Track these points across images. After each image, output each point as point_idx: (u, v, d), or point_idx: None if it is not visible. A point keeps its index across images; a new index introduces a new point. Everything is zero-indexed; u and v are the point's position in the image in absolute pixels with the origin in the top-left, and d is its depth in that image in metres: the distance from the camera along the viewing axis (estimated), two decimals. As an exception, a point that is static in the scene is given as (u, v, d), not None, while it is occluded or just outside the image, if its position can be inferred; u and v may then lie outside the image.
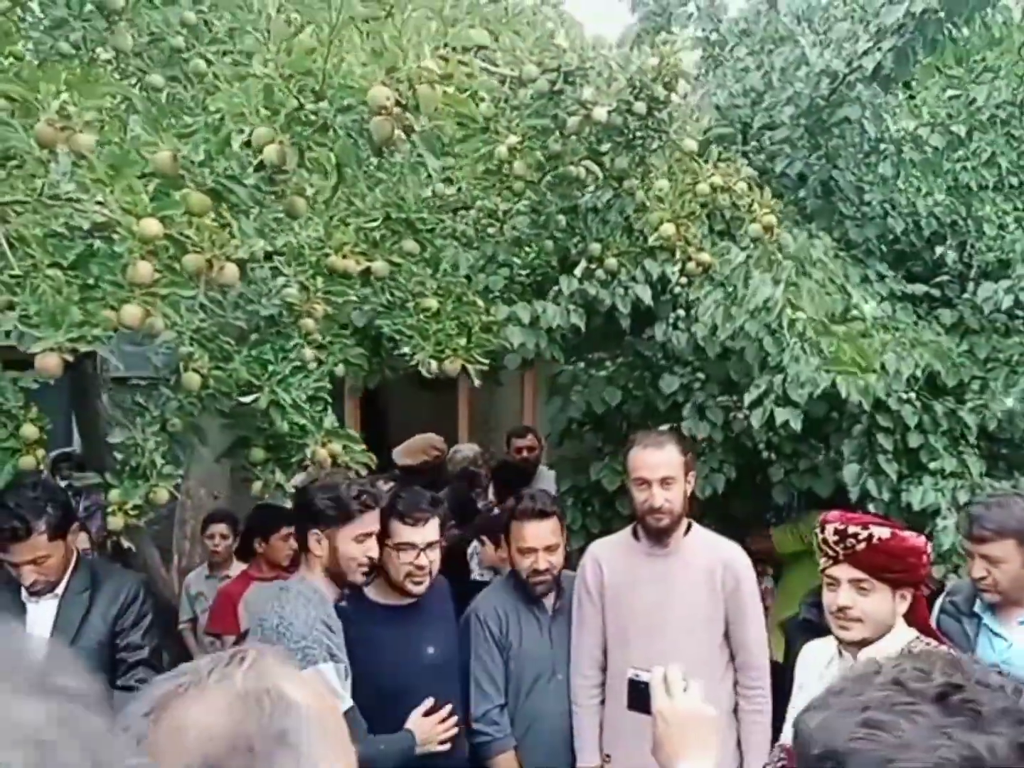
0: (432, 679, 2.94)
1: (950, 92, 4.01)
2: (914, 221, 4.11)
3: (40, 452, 3.01)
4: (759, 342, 3.22)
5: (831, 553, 2.48)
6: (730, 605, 3.07)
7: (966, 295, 4.12)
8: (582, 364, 4.35)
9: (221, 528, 4.95)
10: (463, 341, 3.08)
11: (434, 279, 3.24)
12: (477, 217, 3.64)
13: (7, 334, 2.19)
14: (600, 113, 2.91)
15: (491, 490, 5.83)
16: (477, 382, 2.99)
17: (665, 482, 3.02)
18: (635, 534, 3.20)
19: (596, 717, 3.27)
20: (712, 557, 3.09)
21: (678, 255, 3.13)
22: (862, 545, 2.43)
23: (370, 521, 2.79)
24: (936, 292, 4.19)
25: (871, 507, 3.67)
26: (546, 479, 5.64)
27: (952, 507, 3.50)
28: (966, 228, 4.12)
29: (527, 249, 3.99)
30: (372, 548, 2.79)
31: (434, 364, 3.03)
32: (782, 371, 3.23)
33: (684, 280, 3.28)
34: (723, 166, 3.11)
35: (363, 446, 2.97)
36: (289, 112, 2.22)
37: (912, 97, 4.15)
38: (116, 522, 2.75)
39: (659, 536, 3.09)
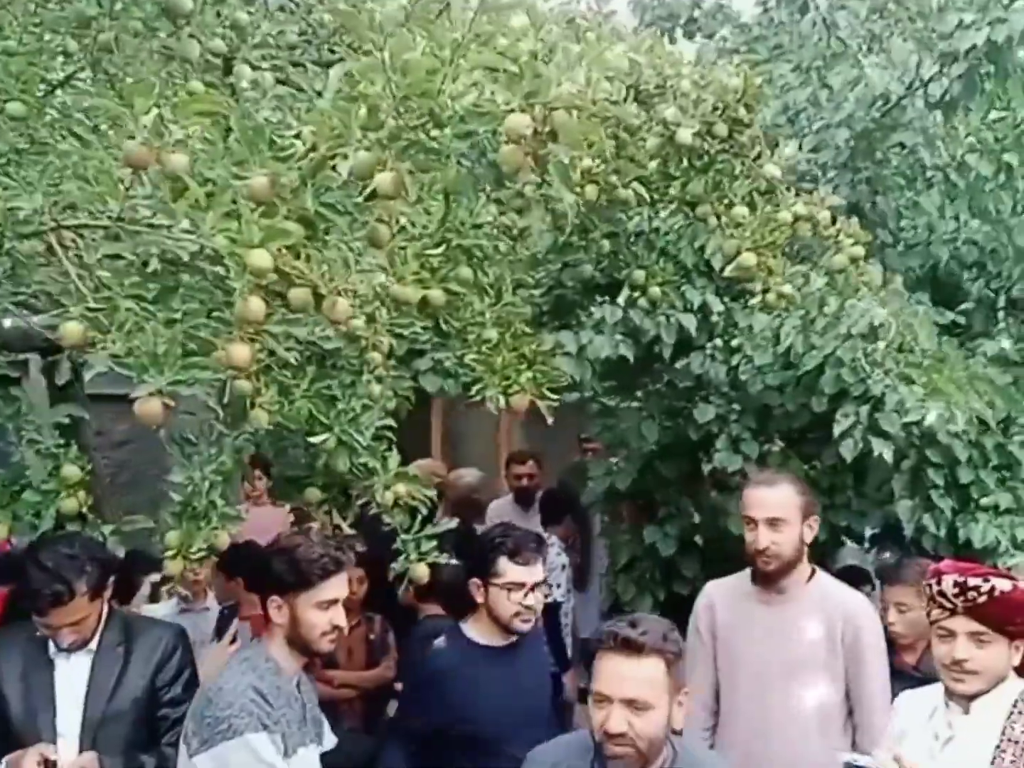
0: (530, 723, 2.80)
1: (994, 115, 3.97)
2: (954, 249, 4.07)
3: (83, 494, 2.78)
4: (850, 369, 3.12)
5: (948, 605, 2.39)
6: (849, 660, 2.90)
7: (1001, 325, 4.10)
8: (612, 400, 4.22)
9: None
10: (528, 374, 2.92)
11: (492, 309, 3.07)
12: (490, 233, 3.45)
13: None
14: (685, 135, 2.78)
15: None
16: (550, 419, 2.82)
17: (774, 523, 2.86)
18: (753, 578, 3.03)
19: None
20: (833, 608, 2.93)
21: (758, 286, 3.01)
22: (983, 598, 2.35)
23: (335, 586, 2.52)
24: (973, 322, 4.16)
25: (925, 544, 3.62)
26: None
27: (1010, 544, 3.44)
28: (1005, 256, 4.10)
29: (542, 271, 3.84)
30: (338, 616, 2.52)
31: (502, 400, 2.86)
32: (868, 401, 3.14)
33: (764, 311, 3.15)
34: (806, 195, 3.00)
35: (432, 491, 2.79)
36: (396, 134, 2.04)
37: (949, 121, 4.08)
38: (175, 567, 2.53)
39: (768, 581, 2.94)
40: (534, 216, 2.59)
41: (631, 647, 2.06)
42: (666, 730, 2.09)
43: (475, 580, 2.89)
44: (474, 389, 2.85)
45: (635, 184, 3.40)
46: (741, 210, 2.96)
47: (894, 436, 3.24)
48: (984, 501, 3.56)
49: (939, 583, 2.40)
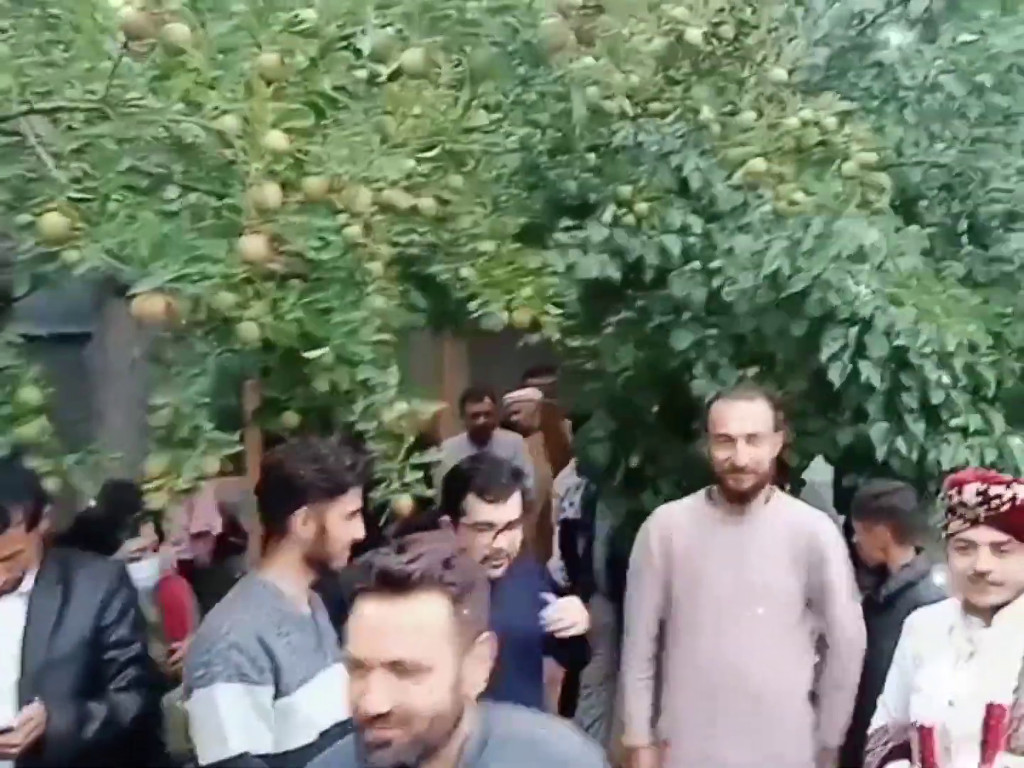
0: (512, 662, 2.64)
1: (963, 37, 3.94)
2: (924, 172, 4.04)
3: (42, 420, 2.53)
4: (836, 291, 3.05)
5: (969, 516, 2.35)
6: (813, 580, 2.87)
7: (966, 248, 4.11)
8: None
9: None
10: (529, 289, 2.77)
11: (488, 218, 2.90)
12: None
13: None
14: (695, 35, 2.64)
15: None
16: (556, 335, 2.68)
17: (752, 439, 2.79)
18: (709, 497, 2.97)
19: (648, 694, 3.08)
20: (795, 527, 2.89)
21: (768, 193, 2.91)
22: (1006, 506, 2.33)
23: (359, 496, 2.40)
24: (935, 246, 4.14)
25: (894, 466, 3.61)
26: (504, 446, 5.37)
27: (979, 465, 3.45)
28: (971, 179, 4.09)
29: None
30: (359, 528, 2.36)
31: (505, 315, 2.71)
32: (856, 323, 3.08)
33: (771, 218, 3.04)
34: (812, 99, 2.91)
35: (439, 404, 2.62)
36: (429, 4, 1.85)
37: (927, 39, 4.03)
38: (159, 498, 2.32)
39: (740, 499, 2.87)
40: (577, 99, 2.41)
41: (393, 583, 1.40)
42: (457, 697, 1.44)
43: (445, 518, 2.68)
44: (474, 304, 2.68)
45: (619, 97, 3.28)
46: (748, 115, 2.85)
47: (879, 359, 3.19)
48: (954, 423, 3.56)
49: (960, 493, 2.37)
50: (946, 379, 3.61)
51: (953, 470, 3.54)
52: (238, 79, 1.85)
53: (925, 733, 2.34)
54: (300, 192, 1.85)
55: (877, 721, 2.59)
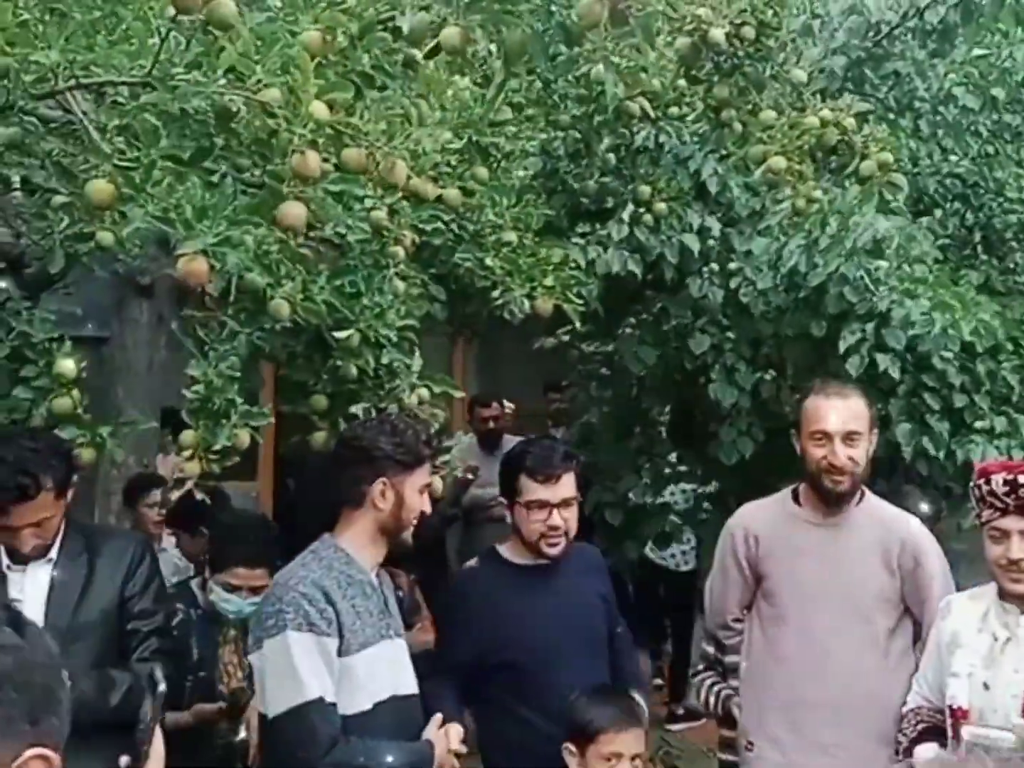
0: (578, 651, 2.66)
1: (977, 52, 4.01)
2: (938, 182, 4.11)
3: (76, 393, 2.59)
4: (852, 287, 3.09)
5: (999, 505, 2.35)
6: (907, 587, 2.71)
7: (983, 256, 4.16)
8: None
9: (157, 496, 4.47)
10: (551, 278, 2.82)
11: (510, 210, 2.96)
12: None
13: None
14: (718, 34, 2.71)
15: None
16: (578, 324, 2.73)
17: (850, 437, 2.61)
18: (795, 499, 2.80)
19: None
20: (887, 531, 2.73)
21: (788, 192, 2.96)
22: None
23: (428, 470, 2.45)
24: (949, 256, 4.20)
25: (920, 468, 3.64)
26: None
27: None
28: (985, 190, 4.15)
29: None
30: (427, 502, 2.41)
31: (527, 303, 2.76)
32: (873, 318, 3.11)
33: (790, 218, 3.10)
34: (831, 100, 2.97)
35: (462, 392, 2.67)
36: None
37: (941, 51, 4.11)
38: (192, 468, 2.37)
39: (836, 501, 2.69)
40: (608, 77, 2.47)
41: None
42: None
43: (502, 499, 2.73)
44: (496, 292, 2.74)
45: (640, 99, 3.35)
46: (769, 114, 2.90)
47: (899, 352, 3.23)
48: (978, 425, 3.59)
49: (988, 483, 2.37)
50: (968, 382, 3.67)
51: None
52: (281, 54, 1.91)
53: (960, 715, 2.35)
54: (339, 163, 1.90)
55: (911, 702, 2.57)
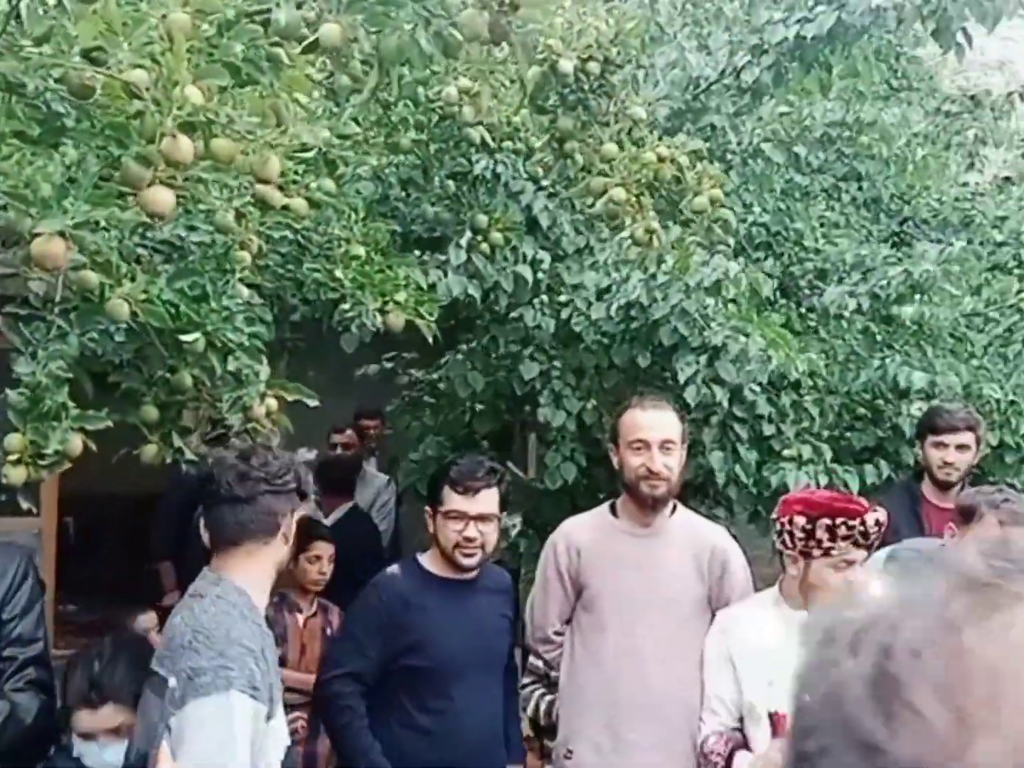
0: (483, 666, 2.73)
1: (781, 109, 4.36)
2: (746, 230, 4.41)
3: None
4: (685, 322, 3.26)
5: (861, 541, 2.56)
6: (714, 593, 2.88)
7: (783, 300, 4.49)
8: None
9: None
10: (404, 293, 2.81)
11: (358, 224, 2.93)
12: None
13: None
14: (567, 65, 2.82)
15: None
16: (430, 337, 2.73)
17: (666, 446, 2.79)
18: (613, 511, 2.95)
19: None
20: (698, 540, 2.91)
21: (628, 222, 3.08)
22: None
23: None
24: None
25: (731, 493, 3.86)
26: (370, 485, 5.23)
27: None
28: (786, 239, 4.50)
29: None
30: None
31: (378, 318, 2.74)
32: (706, 351, 3.29)
33: (633, 250, 3.22)
34: (667, 138, 3.13)
35: (316, 401, 2.60)
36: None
37: (755, 107, 4.41)
38: (17, 474, 2.17)
39: (652, 507, 2.84)
40: (485, 90, 2.49)
41: None
42: None
43: (427, 508, 2.80)
44: (347, 305, 2.69)
45: (480, 128, 3.43)
46: (611, 147, 3.03)
47: (730, 384, 3.43)
48: (786, 453, 3.86)
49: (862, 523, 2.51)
50: (775, 413, 3.94)
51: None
52: (147, 35, 1.83)
53: (779, 719, 2.48)
54: (208, 153, 1.83)
55: (709, 728, 2.69)
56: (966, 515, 3.00)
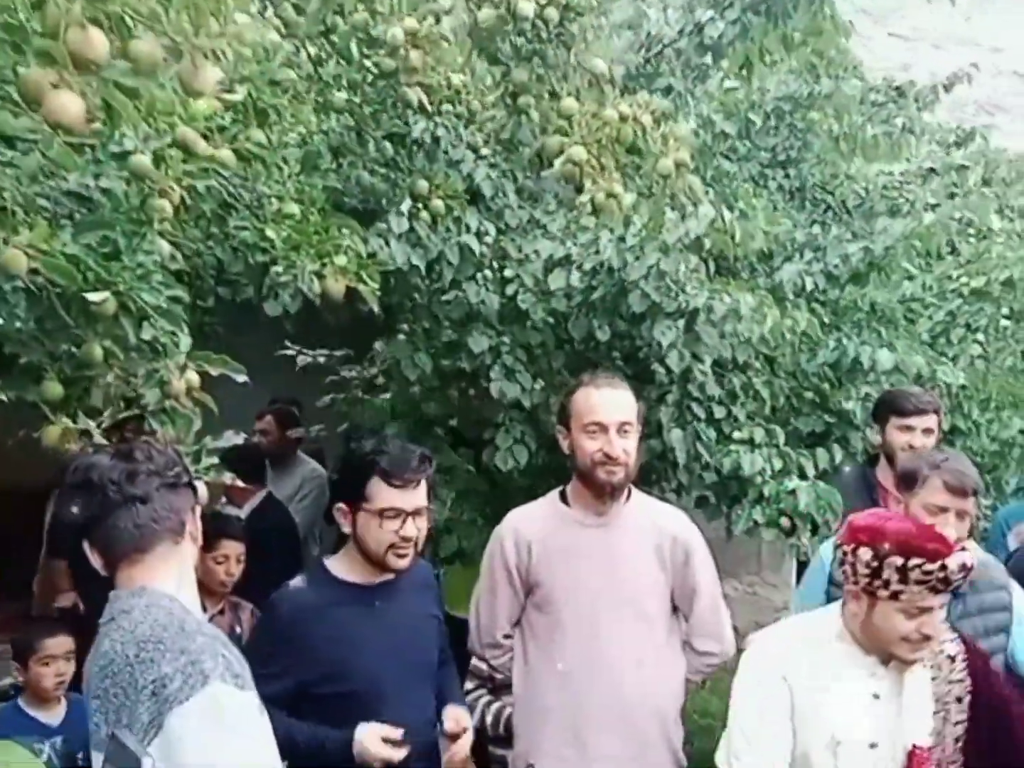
0: (415, 681, 2.34)
1: (728, 84, 4.17)
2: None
3: None
4: (656, 284, 2.99)
5: (939, 586, 2.11)
6: (676, 580, 2.64)
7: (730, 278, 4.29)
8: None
9: None
10: (345, 257, 2.50)
11: (292, 179, 2.61)
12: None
13: None
14: (526, 7, 2.54)
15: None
16: (375, 307, 2.42)
17: (624, 428, 2.52)
18: (563, 498, 2.67)
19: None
20: (658, 528, 2.64)
21: (588, 184, 2.81)
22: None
23: None
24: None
25: (683, 476, 3.64)
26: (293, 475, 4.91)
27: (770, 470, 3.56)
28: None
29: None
30: None
31: (316, 283, 2.41)
32: (682, 316, 3.03)
33: (592, 214, 2.94)
34: (629, 96, 2.87)
35: (244, 376, 2.26)
36: None
37: (717, 63, 4.19)
38: None
39: (610, 495, 2.57)
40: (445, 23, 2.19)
41: None
42: None
43: (341, 505, 2.34)
44: (280, 268, 2.36)
45: (418, 89, 3.15)
46: (570, 103, 2.75)
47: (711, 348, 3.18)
48: (737, 435, 3.65)
49: (943, 568, 2.08)
50: (723, 395, 3.74)
51: (751, 476, 3.61)
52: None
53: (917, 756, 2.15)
54: (125, 56, 1.50)
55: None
56: (908, 481, 2.79)
